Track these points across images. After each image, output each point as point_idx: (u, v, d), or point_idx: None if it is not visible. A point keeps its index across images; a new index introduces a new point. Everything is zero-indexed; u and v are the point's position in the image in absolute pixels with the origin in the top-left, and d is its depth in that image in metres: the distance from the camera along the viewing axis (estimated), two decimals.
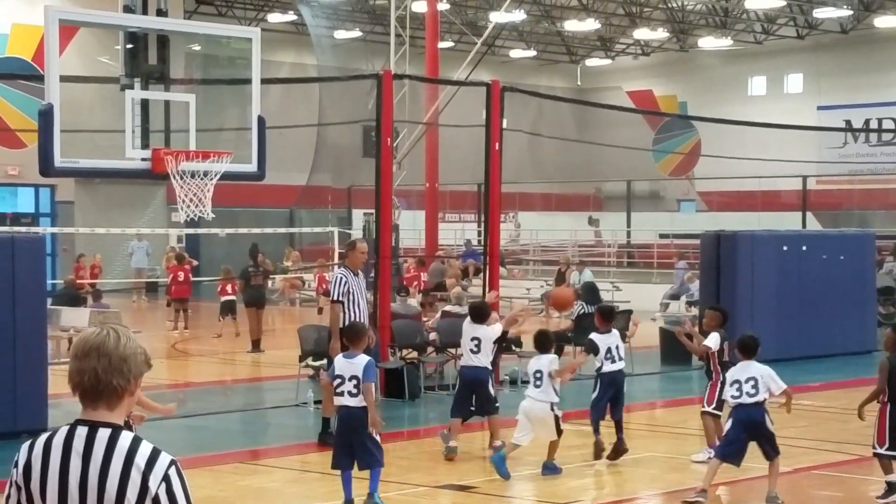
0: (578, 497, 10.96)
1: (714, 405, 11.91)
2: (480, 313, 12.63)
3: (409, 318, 18.25)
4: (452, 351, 16.76)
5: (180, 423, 14.72)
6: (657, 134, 50.06)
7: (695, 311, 23.21)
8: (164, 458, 3.79)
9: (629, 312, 21.06)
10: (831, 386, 17.56)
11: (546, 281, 31.58)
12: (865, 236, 24.42)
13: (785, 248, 21.41)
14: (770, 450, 10.50)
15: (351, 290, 13.25)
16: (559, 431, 11.56)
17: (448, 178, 34.35)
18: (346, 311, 13.15)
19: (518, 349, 17.96)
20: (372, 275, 16.99)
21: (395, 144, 23.01)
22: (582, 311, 20.34)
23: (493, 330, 12.48)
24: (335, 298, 13.19)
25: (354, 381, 9.93)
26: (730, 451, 10.50)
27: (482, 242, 18.70)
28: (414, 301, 20.91)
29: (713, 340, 12.04)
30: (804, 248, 21.70)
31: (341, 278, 13.30)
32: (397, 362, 16.72)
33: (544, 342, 11.98)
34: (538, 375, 11.57)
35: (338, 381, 10.02)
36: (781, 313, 20.27)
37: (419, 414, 16.07)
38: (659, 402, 17.75)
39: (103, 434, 3.79)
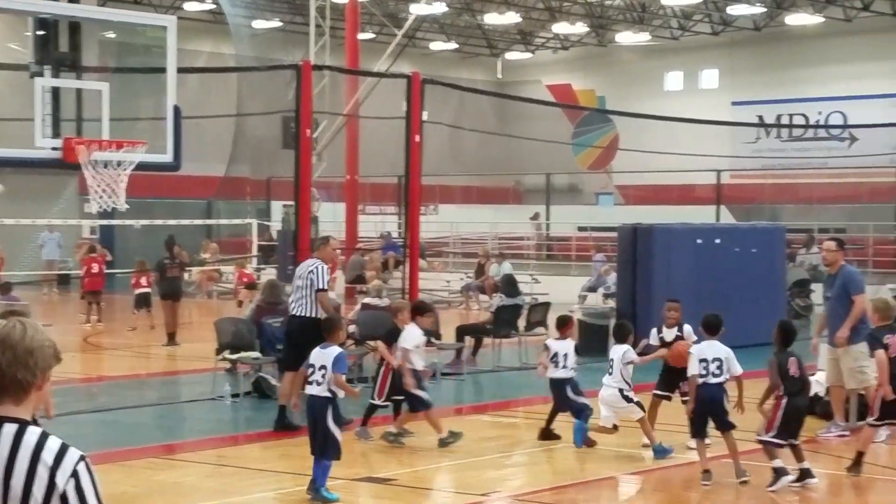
0: (496, 487, 10.95)
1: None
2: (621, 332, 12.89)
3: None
4: (372, 343, 16.67)
5: (93, 417, 14.51)
6: (576, 128, 50.32)
7: (612, 303, 23.36)
8: (72, 454, 3.68)
9: (548, 305, 21.17)
10: (744, 376, 17.70)
11: (466, 273, 31.61)
12: (776, 229, 24.74)
13: (699, 241, 21.62)
14: (725, 422, 10.93)
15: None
16: (642, 408, 12.19)
17: (368, 171, 34.20)
18: (308, 302, 13.40)
19: (437, 341, 17.98)
20: (290, 268, 16.87)
21: (314, 136, 22.87)
22: (501, 303, 20.39)
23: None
24: (322, 287, 13.48)
25: (323, 371, 10.21)
26: (700, 428, 11.05)
27: (402, 235, 18.64)
28: (333, 294, 20.79)
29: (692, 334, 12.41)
30: (718, 240, 21.93)
31: (324, 267, 13.65)
32: None
33: (622, 333, 12.76)
34: (611, 363, 12.28)
35: (310, 369, 10.37)
36: (696, 305, 20.24)
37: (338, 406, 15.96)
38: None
39: (9, 429, 3.68)
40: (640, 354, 12.60)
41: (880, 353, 11.02)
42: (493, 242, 37.45)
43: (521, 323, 20.12)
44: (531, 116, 44.48)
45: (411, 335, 12.54)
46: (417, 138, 17.97)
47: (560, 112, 48.64)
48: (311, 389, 10.32)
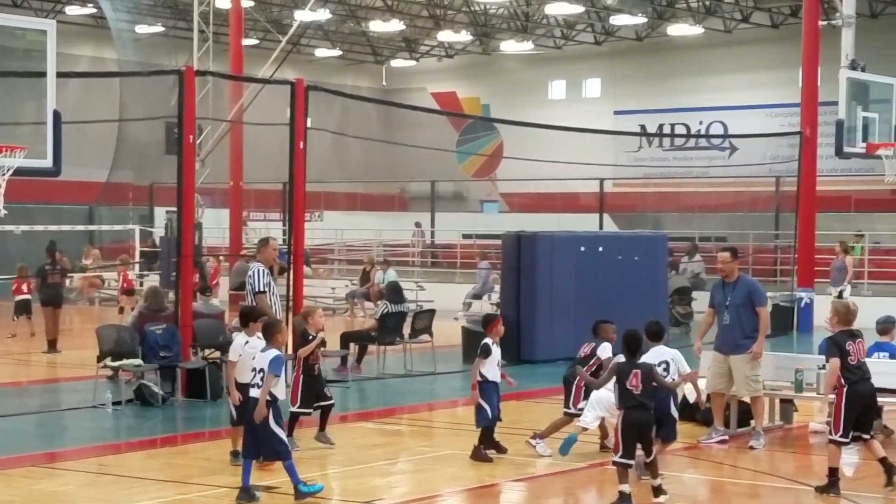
0: (381, 495, 10.97)
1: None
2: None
3: (212, 318, 17.98)
4: None
5: None
6: (461, 135, 50.58)
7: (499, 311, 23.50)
8: None
9: (432, 312, 21.25)
10: None
11: (351, 280, 31.57)
12: (658, 237, 25.13)
13: (583, 248, 21.88)
14: (669, 433, 11.08)
15: (268, 283, 14.22)
16: None
17: (253, 177, 33.99)
18: (260, 304, 13.81)
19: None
20: (173, 274, 16.72)
21: (198, 142, 22.67)
22: (386, 310, 20.40)
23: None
24: (259, 290, 14.02)
25: (262, 374, 10.36)
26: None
27: (287, 241, 18.57)
28: (217, 300, 20.62)
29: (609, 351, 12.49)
30: (601, 248, 22.21)
31: (262, 269, 14.14)
32: (199, 362, 16.45)
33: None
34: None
35: (253, 373, 10.58)
36: (579, 311, 20.58)
37: (220, 414, 15.81)
38: (461, 401, 17.88)
39: None
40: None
41: (834, 361, 10.80)
42: (379, 249, 37.44)
43: (406, 330, 20.16)
44: (416, 124, 44.62)
45: (233, 347, 11.68)
46: (301, 145, 17.92)
47: (445, 120, 48.84)
48: (252, 392, 10.49)
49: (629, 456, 10.16)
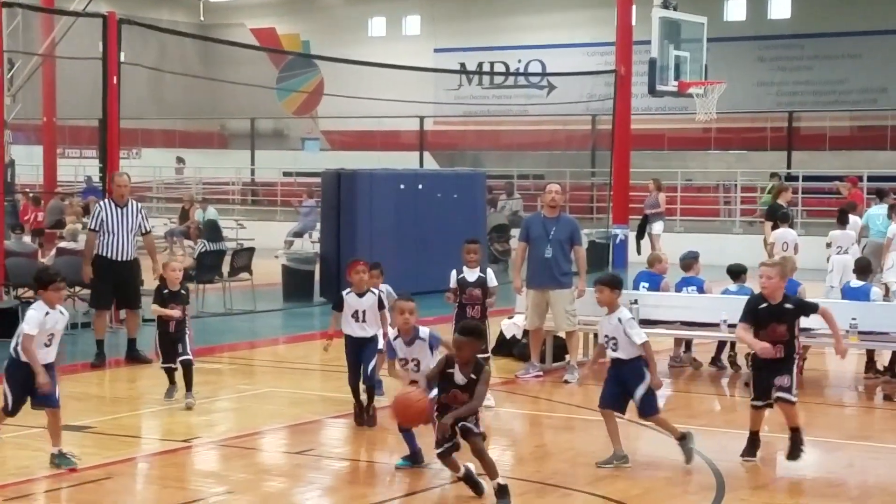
0: (200, 433, 10.98)
1: None
2: None
3: (24, 256, 17.61)
4: (72, 289, 16.26)
5: None
6: (280, 72, 50.02)
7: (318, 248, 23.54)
8: None
9: (252, 250, 21.18)
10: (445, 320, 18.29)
11: (170, 218, 31.15)
12: (477, 175, 25.48)
13: (402, 186, 22.05)
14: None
15: (105, 221, 14.52)
16: None
17: (67, 113, 33.08)
18: (100, 241, 14.57)
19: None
20: None
21: (8, 76, 21.97)
22: (204, 248, 20.27)
23: None
24: (92, 227, 14.70)
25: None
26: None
27: (102, 180, 18.22)
28: (28, 238, 20.16)
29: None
30: (420, 186, 22.42)
31: (98, 209, 14.73)
32: (12, 301, 16.10)
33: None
34: None
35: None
36: (399, 250, 20.84)
37: None
38: (282, 339, 17.96)
39: None
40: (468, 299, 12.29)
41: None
42: (198, 188, 36.97)
43: (226, 269, 20.07)
44: (236, 60, 43.87)
45: (30, 318, 9.47)
46: (115, 80, 17.58)
47: (264, 56, 48.22)
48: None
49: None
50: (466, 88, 45.81)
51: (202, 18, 51.80)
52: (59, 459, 9.42)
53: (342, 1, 49.13)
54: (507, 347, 14.81)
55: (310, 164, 37.50)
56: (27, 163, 29.80)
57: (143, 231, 14.93)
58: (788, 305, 9.75)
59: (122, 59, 18.00)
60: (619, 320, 9.71)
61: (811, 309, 10.02)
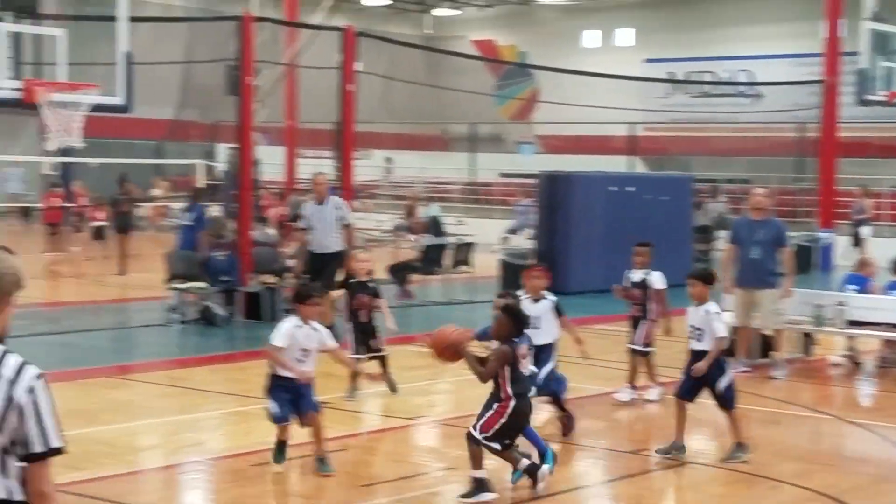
0: (422, 413, 11.08)
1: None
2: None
3: (267, 246, 18.14)
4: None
5: (53, 339, 14.49)
6: (499, 81, 50.23)
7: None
8: (30, 371, 3.74)
9: (471, 245, 21.32)
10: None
11: (397, 214, 31.61)
12: (685, 178, 25.03)
13: (613, 188, 21.82)
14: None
15: (308, 219, 14.88)
16: None
17: (306, 117, 33.96)
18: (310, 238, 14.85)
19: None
20: (233, 205, 16.87)
21: (256, 84, 22.63)
22: (428, 242, 20.52)
23: None
24: (301, 226, 15.13)
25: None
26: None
27: (337, 177, 18.64)
28: (271, 229, 20.76)
29: (662, 280, 11.77)
30: (630, 188, 22.14)
31: (303, 209, 15.23)
32: (257, 286, 16.62)
33: None
34: None
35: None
36: (608, 248, 20.60)
37: None
38: None
39: None
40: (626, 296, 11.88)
41: None
42: (422, 186, 37.44)
43: (447, 261, 20.25)
44: (457, 70, 44.31)
45: (280, 329, 8.72)
46: (351, 88, 17.95)
47: (484, 66, 48.52)
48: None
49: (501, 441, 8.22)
50: (675, 97, 45.12)
51: (428, 31, 52.48)
52: (322, 466, 8.67)
53: (558, 15, 49.02)
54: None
55: (525, 166, 37.50)
56: (271, 162, 30.67)
57: (344, 224, 14.98)
58: None
59: (358, 68, 18.35)
60: (707, 311, 9.43)
61: None
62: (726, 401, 9.34)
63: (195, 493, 8.59)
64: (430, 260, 19.92)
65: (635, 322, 11.78)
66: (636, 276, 11.99)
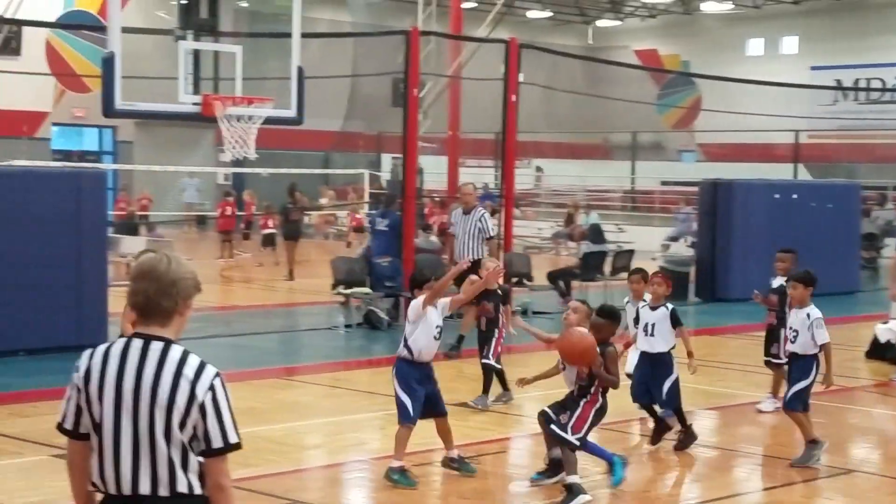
0: None
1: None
2: None
3: (431, 252, 18.31)
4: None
5: (226, 341, 14.94)
6: (661, 90, 49.67)
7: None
8: (210, 370, 3.87)
9: (631, 252, 21.11)
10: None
11: (556, 222, 31.56)
12: (851, 186, 24.29)
13: (777, 196, 21.33)
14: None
15: (455, 226, 15.29)
16: None
17: (468, 127, 34.17)
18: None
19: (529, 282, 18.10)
20: (398, 213, 17.08)
21: (421, 95, 22.90)
22: (588, 249, 20.37)
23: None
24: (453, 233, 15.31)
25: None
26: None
27: (498, 186, 18.70)
28: (435, 237, 20.94)
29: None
30: (795, 196, 21.61)
31: (451, 217, 15.55)
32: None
33: None
34: None
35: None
36: (772, 255, 20.13)
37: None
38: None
39: (156, 347, 3.88)
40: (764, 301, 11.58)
41: None
42: (582, 194, 37.26)
43: (607, 268, 20.10)
44: (619, 79, 44.00)
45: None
46: (514, 98, 17.99)
47: (646, 75, 48.03)
48: None
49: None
50: (842, 104, 43.86)
51: (590, 42, 52.22)
52: (460, 465, 8.66)
53: (721, 23, 48.19)
54: (881, 352, 13.99)
55: (686, 174, 36.95)
56: (434, 171, 30.96)
57: (486, 236, 15.09)
58: None
59: (521, 79, 18.38)
60: (808, 316, 9.22)
61: None
62: (792, 402, 9.05)
63: (358, 491, 8.73)
64: (590, 267, 19.80)
65: (770, 331, 11.44)
66: (776, 282, 11.75)
